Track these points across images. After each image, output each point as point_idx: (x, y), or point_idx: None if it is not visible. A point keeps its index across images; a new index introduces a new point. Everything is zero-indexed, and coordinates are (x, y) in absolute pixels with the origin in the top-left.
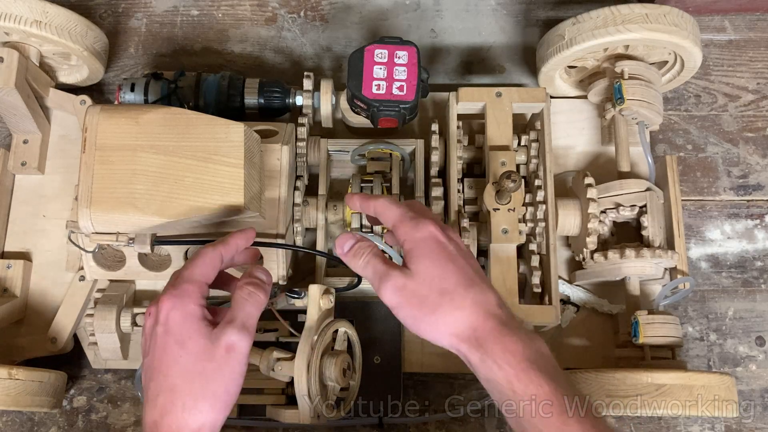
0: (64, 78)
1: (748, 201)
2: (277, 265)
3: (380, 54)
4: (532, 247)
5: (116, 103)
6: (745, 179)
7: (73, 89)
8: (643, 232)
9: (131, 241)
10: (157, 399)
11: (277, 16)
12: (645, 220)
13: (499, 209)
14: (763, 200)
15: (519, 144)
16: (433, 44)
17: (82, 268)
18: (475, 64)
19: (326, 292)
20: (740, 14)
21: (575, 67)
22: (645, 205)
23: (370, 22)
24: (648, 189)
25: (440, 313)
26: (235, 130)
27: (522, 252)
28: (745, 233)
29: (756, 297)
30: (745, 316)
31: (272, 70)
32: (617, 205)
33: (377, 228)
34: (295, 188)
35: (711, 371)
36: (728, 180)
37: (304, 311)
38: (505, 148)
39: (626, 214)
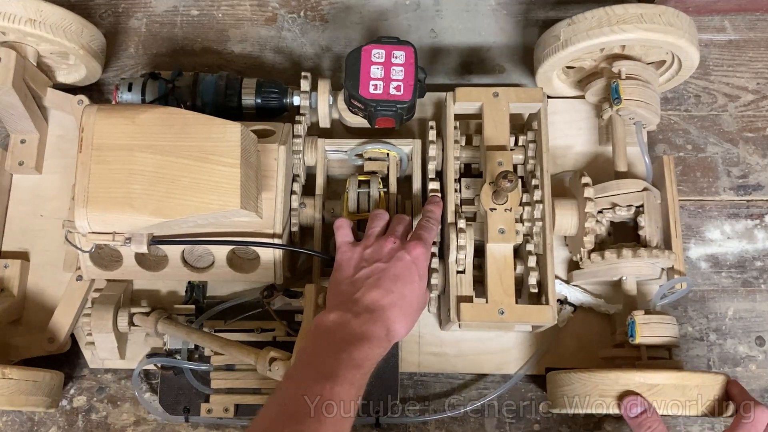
0: (63, 78)
1: (747, 201)
2: (273, 265)
3: (377, 54)
4: (529, 247)
5: (113, 102)
6: (744, 179)
7: (72, 89)
8: (640, 232)
9: (128, 241)
10: (392, 293)
11: (277, 16)
12: (642, 220)
13: (495, 209)
14: (762, 200)
15: (516, 144)
16: (433, 44)
17: (79, 268)
18: (475, 64)
19: (323, 291)
20: (740, 14)
21: (573, 67)
22: (642, 205)
23: (370, 22)
24: (645, 189)
25: None
26: (232, 130)
27: (519, 252)
28: (745, 233)
29: (756, 297)
30: (744, 316)
31: (272, 70)
32: (614, 205)
33: None
34: (292, 189)
35: (705, 371)
36: (728, 180)
37: (301, 311)
38: (502, 148)
39: (623, 214)
